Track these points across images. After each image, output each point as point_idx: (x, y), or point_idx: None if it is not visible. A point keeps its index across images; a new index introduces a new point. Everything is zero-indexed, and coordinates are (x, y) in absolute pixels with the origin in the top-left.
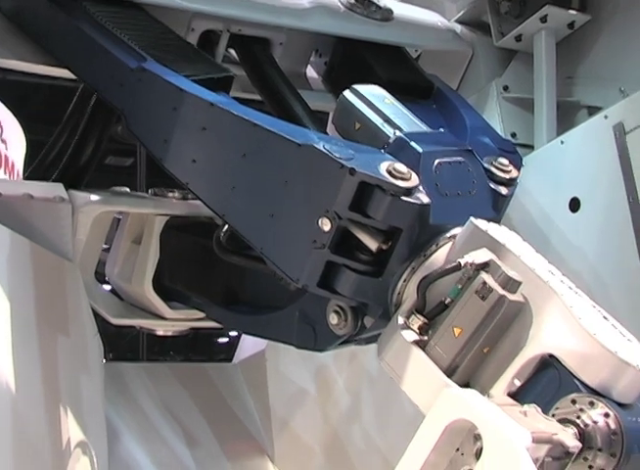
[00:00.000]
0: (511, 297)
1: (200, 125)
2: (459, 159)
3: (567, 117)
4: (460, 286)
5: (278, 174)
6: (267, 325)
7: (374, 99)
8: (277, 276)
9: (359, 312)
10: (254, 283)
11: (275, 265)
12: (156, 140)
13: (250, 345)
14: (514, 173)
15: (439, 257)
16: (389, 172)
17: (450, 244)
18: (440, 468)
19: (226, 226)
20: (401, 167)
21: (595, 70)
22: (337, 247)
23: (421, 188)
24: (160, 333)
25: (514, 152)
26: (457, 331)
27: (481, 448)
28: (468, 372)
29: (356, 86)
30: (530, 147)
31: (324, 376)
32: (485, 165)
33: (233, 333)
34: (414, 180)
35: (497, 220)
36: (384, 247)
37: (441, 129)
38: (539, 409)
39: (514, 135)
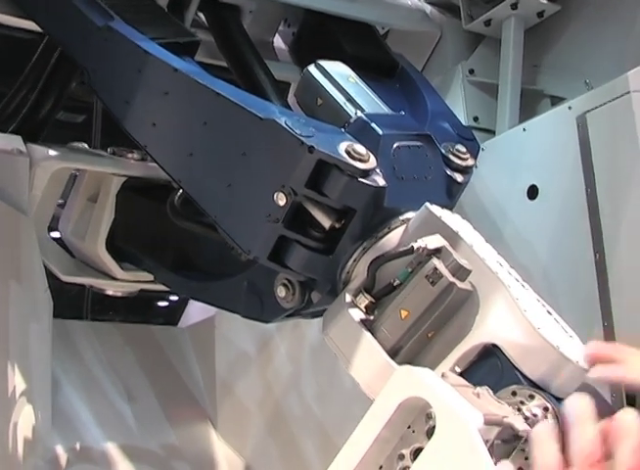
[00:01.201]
0: (460, 284)
1: (162, 90)
2: (418, 143)
3: (530, 105)
4: (410, 269)
5: (237, 145)
6: (214, 292)
7: (338, 77)
8: (228, 245)
9: (307, 287)
10: (205, 250)
11: (228, 235)
12: (117, 100)
13: (197, 310)
14: (470, 161)
15: (391, 239)
16: (348, 153)
17: (403, 227)
18: (391, 444)
19: (181, 191)
20: (360, 149)
21: (561, 61)
22: (290, 222)
23: (378, 170)
24: (110, 293)
25: (472, 140)
26: (404, 313)
27: (433, 427)
28: (411, 355)
29: (321, 62)
30: (492, 132)
31: (268, 344)
32: (443, 151)
33: (174, 298)
34: (372, 162)
35: (450, 207)
36: (337, 225)
37: (402, 112)
38: (491, 392)
39: (476, 119)
